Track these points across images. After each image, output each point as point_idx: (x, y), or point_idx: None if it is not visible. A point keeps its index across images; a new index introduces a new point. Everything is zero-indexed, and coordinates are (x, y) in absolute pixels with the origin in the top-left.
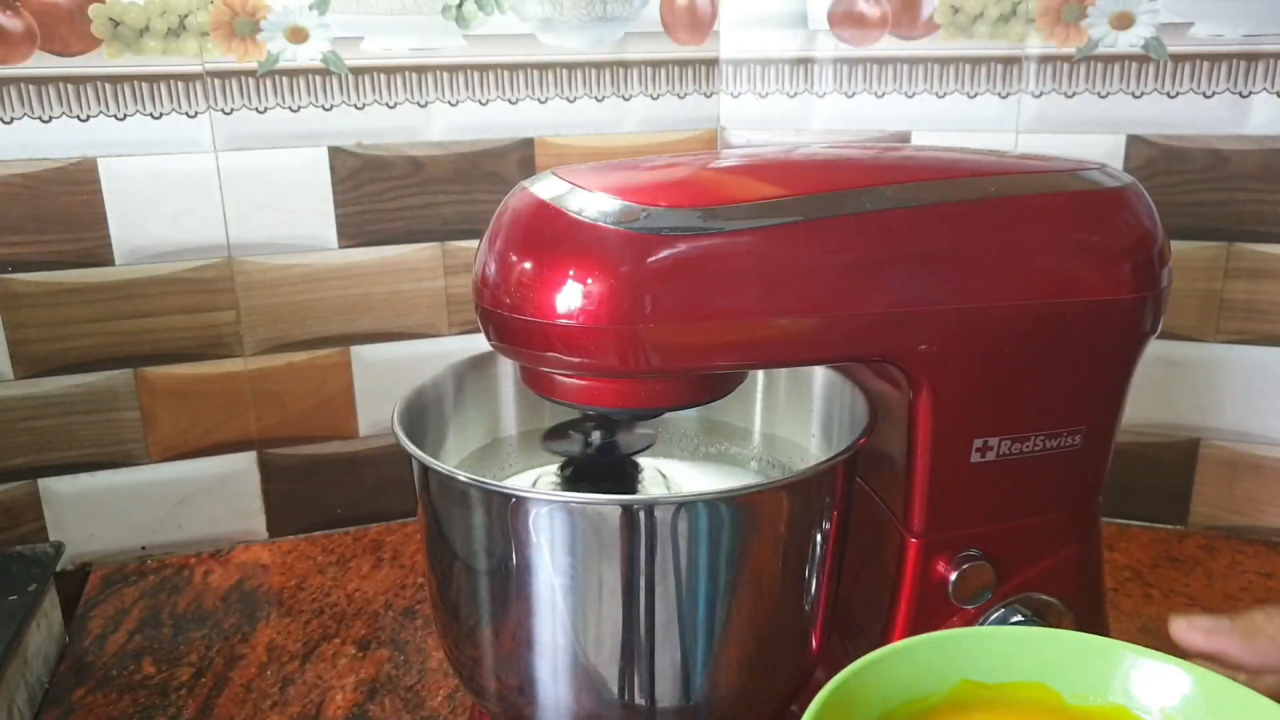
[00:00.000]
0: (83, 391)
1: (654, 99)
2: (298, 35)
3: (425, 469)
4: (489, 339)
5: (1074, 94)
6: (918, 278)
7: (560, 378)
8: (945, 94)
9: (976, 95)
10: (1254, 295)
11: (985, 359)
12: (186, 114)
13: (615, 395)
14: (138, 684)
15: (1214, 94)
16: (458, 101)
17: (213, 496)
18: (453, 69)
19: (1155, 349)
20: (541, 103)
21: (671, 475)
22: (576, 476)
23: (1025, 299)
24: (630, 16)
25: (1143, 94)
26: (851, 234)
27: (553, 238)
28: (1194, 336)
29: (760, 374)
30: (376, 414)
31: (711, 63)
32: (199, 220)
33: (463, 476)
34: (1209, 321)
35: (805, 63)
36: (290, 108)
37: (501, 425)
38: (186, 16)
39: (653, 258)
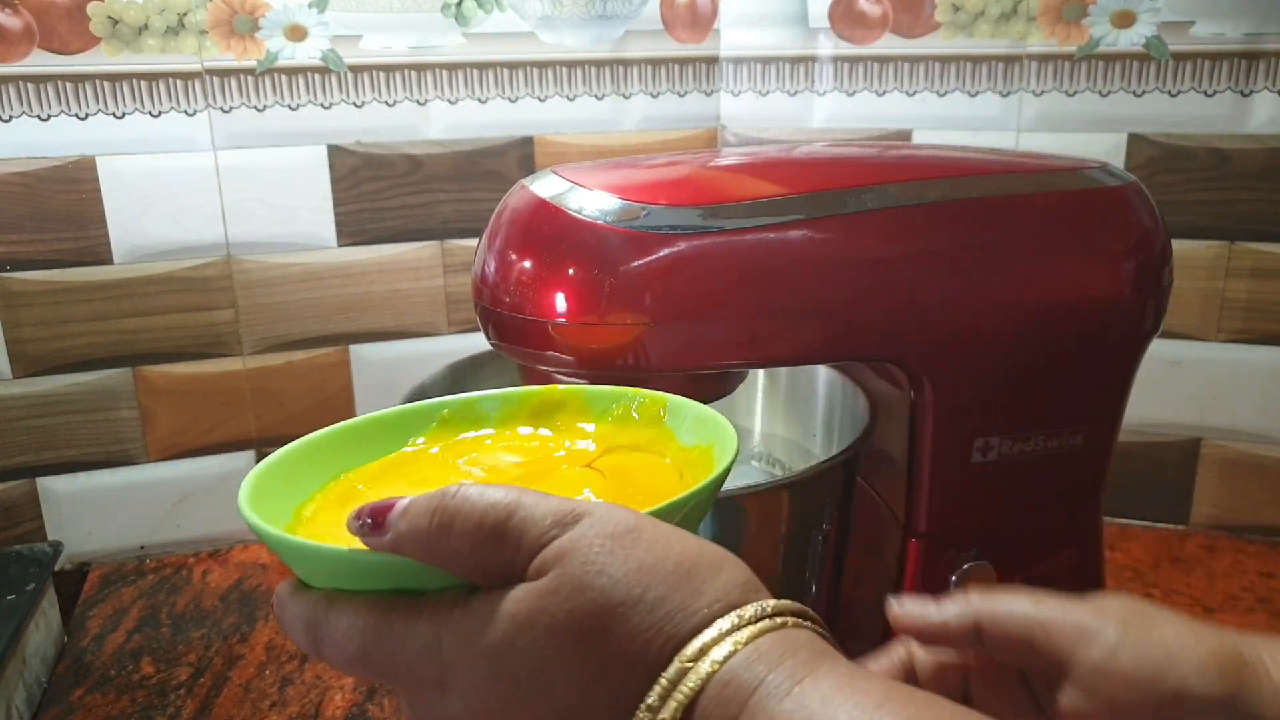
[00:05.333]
0: (81, 390)
1: (654, 97)
2: (297, 33)
3: None
4: (489, 338)
5: (1075, 92)
6: (919, 276)
7: (560, 377)
8: (946, 92)
9: (978, 94)
10: (1255, 294)
11: (986, 358)
12: (185, 112)
13: None
14: (136, 684)
15: (1215, 93)
16: (457, 99)
17: (212, 496)
18: (452, 67)
19: (1156, 348)
20: (541, 101)
21: None
22: None
23: (1026, 298)
24: (630, 14)
25: (1144, 93)
26: (852, 233)
27: (552, 236)
28: (1195, 336)
29: (761, 373)
30: None
31: (712, 61)
32: (198, 219)
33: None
34: (1210, 321)
35: (806, 61)
36: (289, 106)
37: None
38: (185, 15)
39: (653, 256)
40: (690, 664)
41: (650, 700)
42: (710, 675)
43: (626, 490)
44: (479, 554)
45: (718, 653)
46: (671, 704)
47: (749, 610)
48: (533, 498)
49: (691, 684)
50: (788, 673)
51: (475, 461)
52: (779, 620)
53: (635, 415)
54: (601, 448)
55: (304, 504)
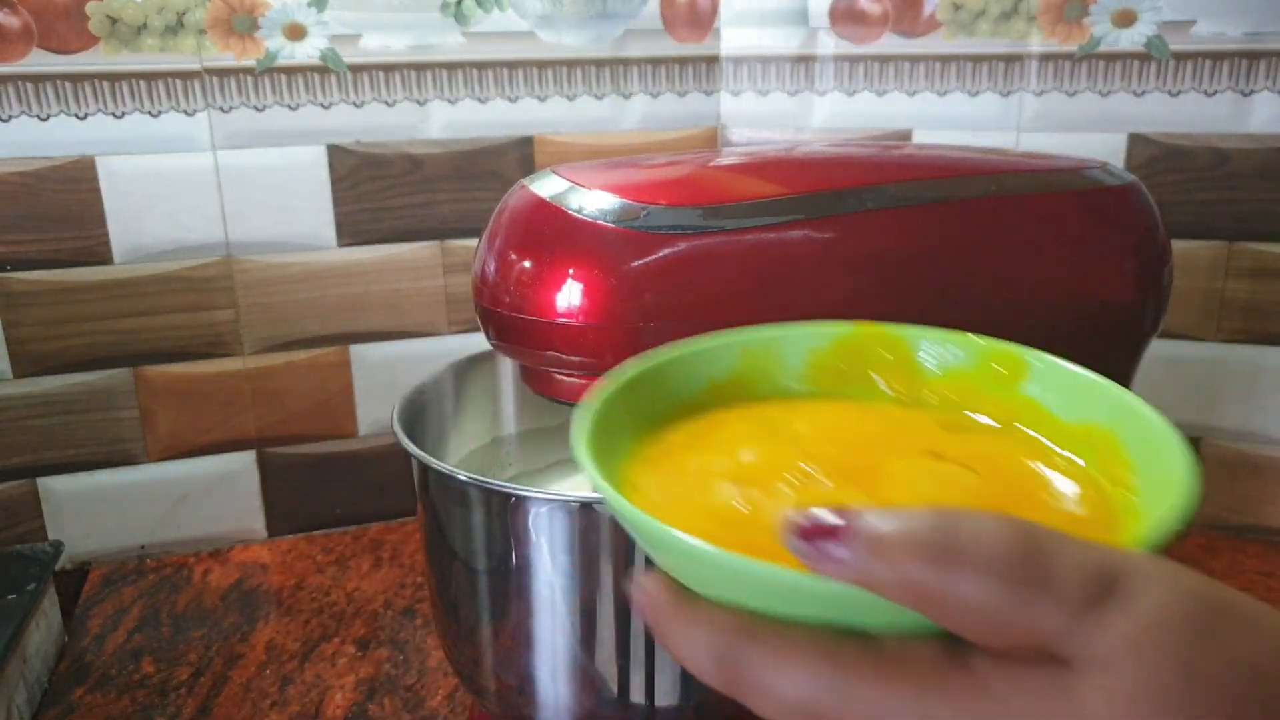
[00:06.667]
0: (81, 390)
1: (654, 97)
2: (296, 32)
3: (425, 468)
4: (489, 338)
5: (1076, 92)
6: (919, 276)
7: (560, 376)
8: (946, 92)
9: (978, 94)
10: (1255, 294)
11: None
12: (185, 112)
13: None
14: (137, 683)
15: (1216, 92)
16: (457, 99)
17: (212, 495)
18: (452, 66)
19: (1156, 348)
20: (541, 100)
21: None
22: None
23: (1026, 297)
24: (630, 13)
25: (1144, 92)
26: (852, 233)
27: (552, 236)
28: (1195, 336)
29: None
30: (376, 413)
31: (712, 60)
32: (198, 219)
33: (463, 475)
34: (1210, 320)
35: (806, 60)
36: (289, 105)
37: (501, 424)
38: (184, 14)
39: (652, 256)
40: None
41: None
42: None
43: (1021, 495)
44: (989, 608)
45: None
46: None
47: None
48: (1046, 535)
49: None
50: None
51: (811, 457)
52: None
53: (975, 372)
54: (952, 424)
55: (624, 464)
